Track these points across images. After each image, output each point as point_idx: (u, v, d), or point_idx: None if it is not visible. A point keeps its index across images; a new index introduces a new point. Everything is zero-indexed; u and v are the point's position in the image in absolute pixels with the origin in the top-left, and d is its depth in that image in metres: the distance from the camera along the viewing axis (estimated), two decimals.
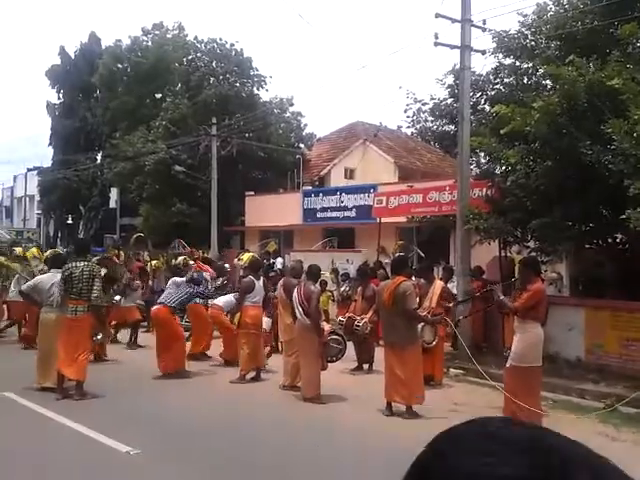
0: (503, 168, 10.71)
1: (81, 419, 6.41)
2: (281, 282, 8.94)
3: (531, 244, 10.52)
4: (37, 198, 41.03)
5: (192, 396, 8.00)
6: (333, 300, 13.04)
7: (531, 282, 6.72)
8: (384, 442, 6.03)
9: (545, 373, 8.26)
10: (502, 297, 6.81)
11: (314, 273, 8.14)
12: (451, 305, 9.20)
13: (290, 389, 8.21)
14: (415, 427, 6.57)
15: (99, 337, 7.45)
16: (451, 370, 9.06)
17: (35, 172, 40.24)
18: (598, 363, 9.08)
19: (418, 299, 7.92)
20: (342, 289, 11.95)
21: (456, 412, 7.14)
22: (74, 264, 7.58)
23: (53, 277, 8.08)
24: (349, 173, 26.75)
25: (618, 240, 10.27)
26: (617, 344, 9.03)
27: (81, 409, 7.02)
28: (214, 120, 21.88)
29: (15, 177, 47.20)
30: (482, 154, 12.60)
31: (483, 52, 11.49)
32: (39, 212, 42.49)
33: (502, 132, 9.44)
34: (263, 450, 5.69)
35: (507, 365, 6.76)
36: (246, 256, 15.67)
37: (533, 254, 10.19)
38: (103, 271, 8.65)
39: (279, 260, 18.67)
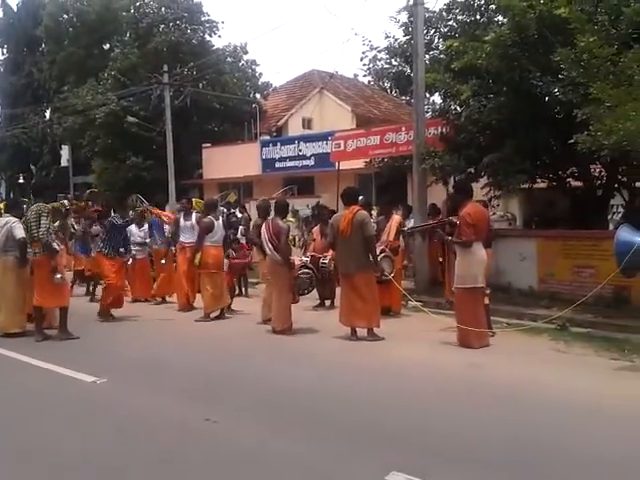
0: (457, 105, 10.78)
1: (45, 357, 6.55)
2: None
3: (484, 180, 10.71)
4: None
5: (158, 333, 8.18)
6: (294, 245, 13.07)
7: (462, 206, 6.90)
8: (361, 360, 6.38)
9: (498, 301, 8.57)
10: (446, 237, 7.13)
11: (282, 208, 8.14)
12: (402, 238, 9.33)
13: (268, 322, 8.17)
14: (382, 347, 6.87)
15: (58, 277, 7.36)
16: (409, 302, 9.28)
17: None
18: (550, 291, 9.44)
19: (376, 234, 8.08)
20: (306, 235, 11.98)
21: (415, 337, 7.44)
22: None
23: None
24: (307, 123, 26.51)
25: (569, 173, 10.55)
26: (568, 272, 9.39)
27: (43, 348, 7.18)
28: (165, 68, 21.25)
29: None
30: (437, 95, 12.63)
31: None
32: None
33: (454, 66, 9.47)
34: (239, 379, 5.83)
35: (452, 289, 7.01)
36: (195, 202, 15.59)
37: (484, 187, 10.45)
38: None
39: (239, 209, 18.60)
